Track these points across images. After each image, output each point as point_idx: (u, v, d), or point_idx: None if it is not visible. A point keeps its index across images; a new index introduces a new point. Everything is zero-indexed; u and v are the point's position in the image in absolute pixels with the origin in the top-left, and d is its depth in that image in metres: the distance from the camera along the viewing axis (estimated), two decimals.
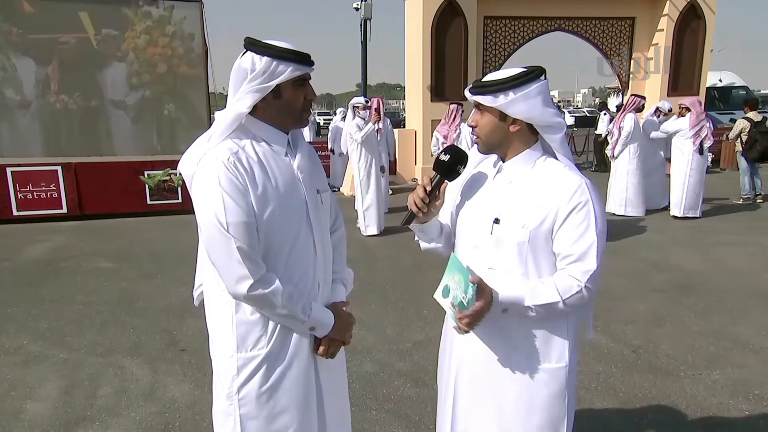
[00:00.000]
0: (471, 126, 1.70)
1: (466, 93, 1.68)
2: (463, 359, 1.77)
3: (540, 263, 1.62)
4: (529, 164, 1.66)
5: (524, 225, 1.58)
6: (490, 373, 1.71)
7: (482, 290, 1.56)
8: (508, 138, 1.64)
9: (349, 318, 1.79)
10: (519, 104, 1.56)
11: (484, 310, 1.56)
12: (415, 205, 1.67)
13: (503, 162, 1.70)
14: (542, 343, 1.66)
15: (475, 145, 1.75)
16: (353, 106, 7.23)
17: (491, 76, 1.62)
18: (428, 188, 1.66)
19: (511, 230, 1.60)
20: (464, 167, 1.68)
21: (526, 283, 1.61)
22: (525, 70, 1.58)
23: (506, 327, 1.65)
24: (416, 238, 1.82)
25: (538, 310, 1.58)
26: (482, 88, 1.60)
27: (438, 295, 1.70)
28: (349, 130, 7.11)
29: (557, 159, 1.66)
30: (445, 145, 7.28)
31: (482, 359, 1.71)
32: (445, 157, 1.66)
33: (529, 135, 1.65)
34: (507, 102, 1.56)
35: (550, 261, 1.63)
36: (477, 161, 1.82)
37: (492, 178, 1.72)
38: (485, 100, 1.60)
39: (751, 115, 9.11)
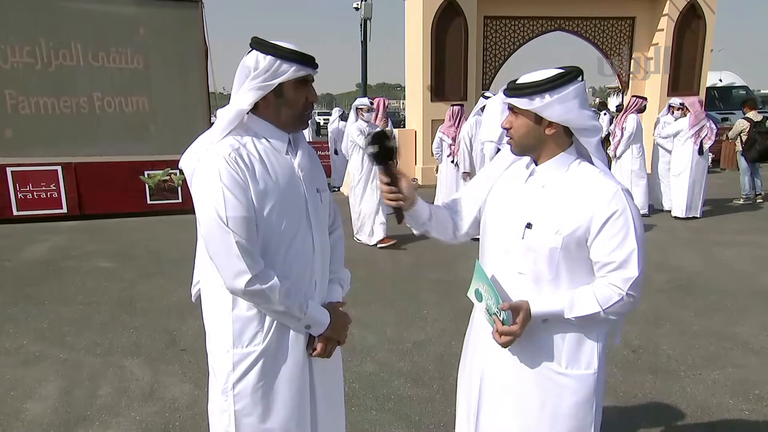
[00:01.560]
0: (505, 128, 1.65)
1: (500, 94, 1.67)
2: (489, 364, 1.74)
3: (570, 270, 1.58)
4: (563, 168, 1.61)
5: (558, 231, 1.55)
6: (516, 378, 1.67)
7: (517, 312, 1.56)
8: (543, 141, 1.59)
9: (345, 318, 1.79)
10: (555, 107, 1.51)
11: (520, 331, 1.57)
12: (391, 200, 1.67)
13: (536, 165, 1.65)
14: (572, 349, 1.63)
15: (508, 146, 1.70)
16: (357, 108, 6.69)
17: (526, 78, 1.56)
18: (386, 180, 1.65)
19: (543, 236, 1.56)
20: (394, 139, 1.65)
21: (564, 294, 1.58)
22: (562, 71, 1.53)
23: (535, 332, 1.61)
24: (407, 224, 1.79)
25: (578, 320, 1.58)
26: (517, 91, 1.56)
27: (471, 295, 1.71)
28: (352, 134, 6.59)
29: (592, 163, 1.61)
30: (451, 147, 7.24)
31: (509, 364, 1.68)
32: (374, 149, 1.63)
33: (565, 138, 1.60)
34: (543, 105, 1.52)
35: (581, 267, 1.59)
36: (508, 163, 1.76)
37: (524, 182, 1.67)
38: (520, 102, 1.55)
39: (751, 115, 9.10)
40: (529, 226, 1.58)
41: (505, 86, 1.63)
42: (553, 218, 1.56)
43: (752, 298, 4.77)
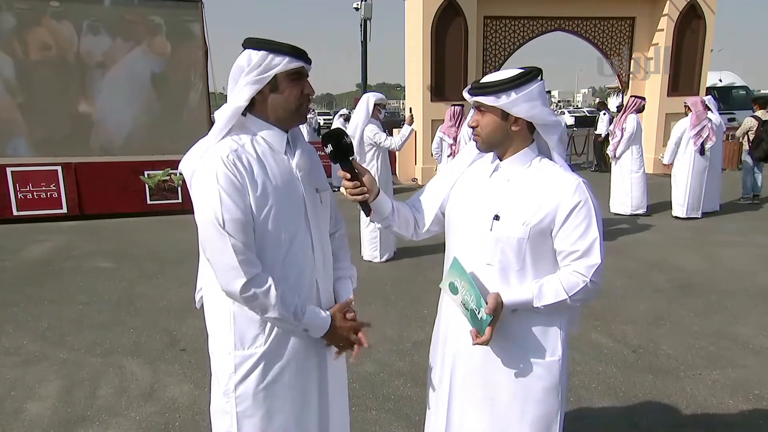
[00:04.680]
0: (471, 126, 1.72)
1: (465, 94, 1.70)
2: (458, 354, 1.79)
3: (535, 260, 1.66)
4: (525, 164, 1.69)
5: (525, 222, 1.62)
6: (485, 367, 1.74)
7: (495, 311, 1.62)
8: (509, 137, 1.67)
9: (346, 324, 1.73)
10: (522, 104, 1.59)
11: (494, 328, 1.63)
12: (354, 195, 1.68)
13: (500, 161, 1.72)
14: (537, 338, 1.70)
15: (473, 143, 1.77)
16: (375, 104, 5.84)
17: (491, 77, 1.64)
18: (348, 177, 1.67)
19: (511, 227, 1.63)
20: (347, 136, 1.67)
21: (531, 284, 1.65)
22: (524, 70, 1.61)
23: (504, 321, 1.67)
24: (371, 219, 1.82)
25: (546, 308, 1.64)
26: (483, 89, 1.62)
27: (444, 287, 1.74)
28: (368, 134, 5.72)
29: (552, 160, 1.70)
30: (452, 147, 7.18)
31: (478, 353, 1.73)
32: (329, 150, 1.65)
33: (528, 135, 1.69)
34: (509, 102, 1.59)
35: (545, 258, 1.67)
36: (470, 161, 1.84)
37: (488, 177, 1.74)
38: (487, 100, 1.62)
39: (760, 113, 9.06)
40: (497, 218, 1.65)
41: (468, 86, 1.70)
42: (520, 210, 1.63)
43: (752, 298, 4.77)
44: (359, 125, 5.77)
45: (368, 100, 5.82)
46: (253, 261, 1.54)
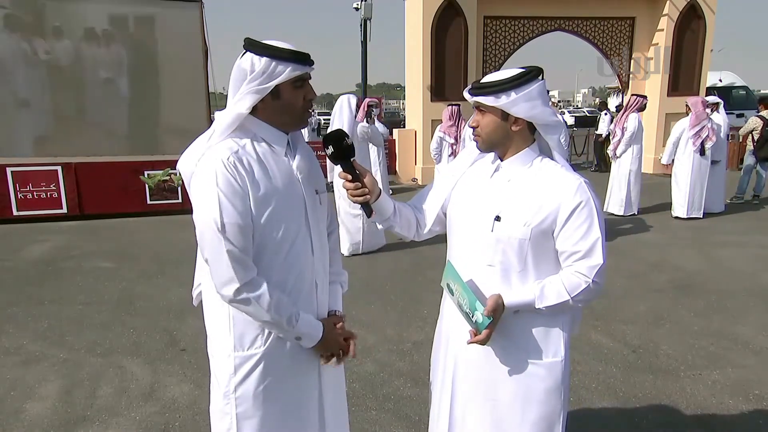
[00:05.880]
0: (472, 126, 1.71)
1: (465, 94, 1.70)
2: (460, 355, 1.79)
3: (537, 260, 1.65)
4: (527, 164, 1.68)
5: (526, 223, 1.61)
6: (487, 368, 1.73)
7: (495, 312, 1.61)
8: (510, 137, 1.66)
9: (337, 336, 1.74)
10: (521, 104, 1.58)
11: (493, 329, 1.63)
12: (356, 197, 1.68)
13: (501, 161, 1.72)
14: (539, 339, 1.69)
15: (474, 143, 1.77)
16: (368, 105, 6.59)
17: (491, 77, 1.63)
18: (349, 178, 1.67)
19: (513, 228, 1.62)
20: (348, 138, 1.67)
21: (533, 285, 1.64)
22: (524, 70, 1.60)
23: (506, 323, 1.67)
24: (372, 220, 1.82)
25: (548, 309, 1.64)
26: (483, 89, 1.62)
27: (444, 284, 1.76)
28: (361, 131, 6.24)
29: (553, 160, 1.69)
30: (453, 147, 7.19)
31: (479, 354, 1.73)
32: (330, 152, 1.65)
33: (528, 135, 1.68)
34: (509, 102, 1.58)
35: (547, 258, 1.66)
36: (471, 161, 1.83)
37: (489, 177, 1.73)
38: (487, 100, 1.61)
39: (765, 113, 9.03)
40: (497, 218, 1.65)
41: (468, 86, 1.69)
42: (521, 211, 1.63)
43: (752, 298, 4.77)
44: (345, 125, 5.82)
45: (348, 99, 5.92)
46: (249, 265, 1.53)
